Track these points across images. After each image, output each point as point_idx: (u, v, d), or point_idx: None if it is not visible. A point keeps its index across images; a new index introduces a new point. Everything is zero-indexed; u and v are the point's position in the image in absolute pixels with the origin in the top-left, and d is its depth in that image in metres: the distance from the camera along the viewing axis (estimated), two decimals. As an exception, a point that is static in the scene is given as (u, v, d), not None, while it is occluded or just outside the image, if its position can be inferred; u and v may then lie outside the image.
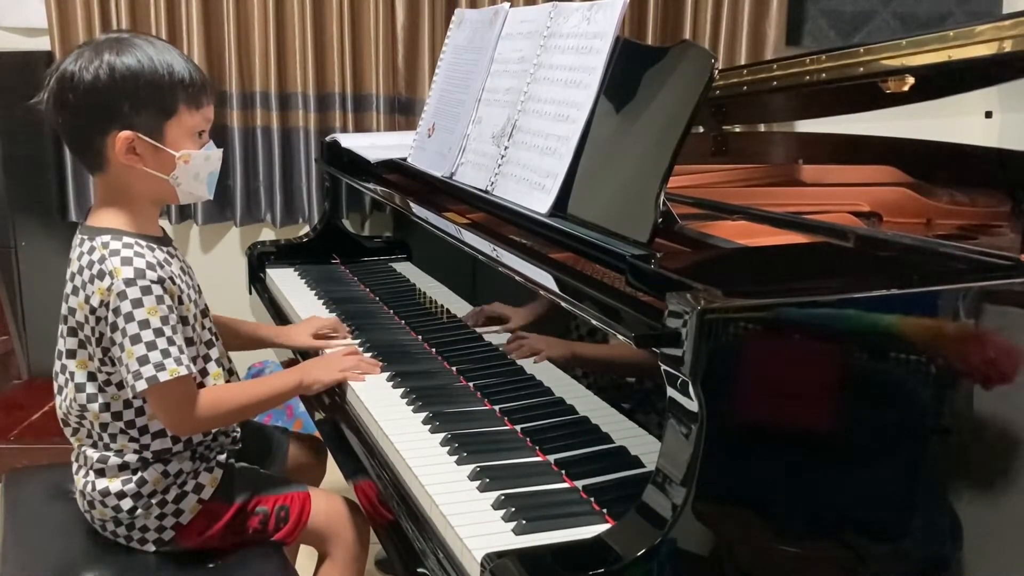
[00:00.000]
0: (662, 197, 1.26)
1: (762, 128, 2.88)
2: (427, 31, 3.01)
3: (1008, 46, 1.24)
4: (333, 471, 1.70)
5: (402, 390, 1.51)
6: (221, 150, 1.52)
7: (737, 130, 2.70)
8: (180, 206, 3.06)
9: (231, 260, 3.09)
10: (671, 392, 1.00)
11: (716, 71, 1.25)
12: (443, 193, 1.77)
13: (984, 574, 1.22)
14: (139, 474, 1.45)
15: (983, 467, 1.17)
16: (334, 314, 1.91)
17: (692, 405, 0.96)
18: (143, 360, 1.35)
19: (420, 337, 1.77)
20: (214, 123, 3.05)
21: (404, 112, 3.05)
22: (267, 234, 3.11)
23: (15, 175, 2.73)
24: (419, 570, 1.18)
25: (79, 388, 1.44)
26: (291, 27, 2.98)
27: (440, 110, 1.91)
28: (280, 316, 2.06)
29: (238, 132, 3.02)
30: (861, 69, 1.46)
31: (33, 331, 2.77)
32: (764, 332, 1.01)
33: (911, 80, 1.43)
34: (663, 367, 0.99)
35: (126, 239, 1.41)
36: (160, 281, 1.38)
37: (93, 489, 1.46)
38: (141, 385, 1.36)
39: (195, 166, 1.46)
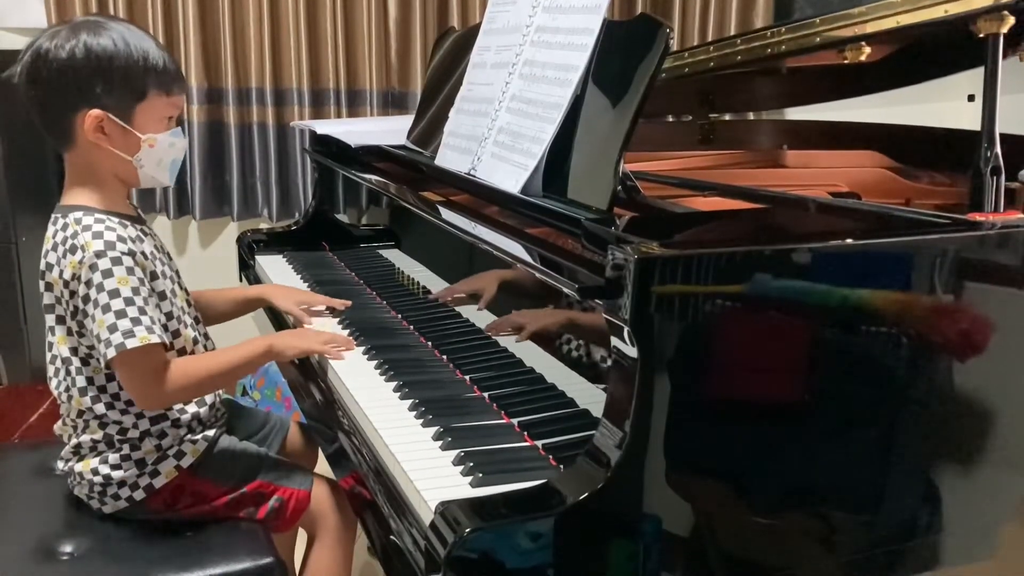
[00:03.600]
0: (621, 165, 1.28)
1: (751, 117, 2.91)
2: (419, 25, 3.06)
3: (951, 10, 1.27)
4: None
5: (376, 362, 1.54)
6: (186, 139, 1.54)
7: (727, 118, 2.73)
8: (178, 202, 3.11)
9: (229, 255, 3.12)
10: (614, 341, 1.03)
11: (671, 40, 1.28)
12: (430, 178, 1.79)
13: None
14: (128, 448, 1.48)
15: (919, 418, 1.19)
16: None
17: (632, 351, 0.99)
18: (112, 328, 1.37)
19: (399, 315, 1.80)
20: (211, 119, 3.11)
21: (397, 106, 3.10)
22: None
23: (16, 170, 2.76)
24: (391, 538, 1.21)
25: (65, 363, 1.47)
26: (285, 24, 3.03)
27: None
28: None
29: (234, 128, 3.08)
30: (818, 40, 1.49)
31: (34, 326, 2.80)
32: (695, 280, 1.04)
33: (867, 49, 1.46)
34: (606, 317, 1.02)
35: (98, 215, 1.45)
36: (131, 254, 1.41)
37: (95, 474, 1.48)
38: (110, 353, 1.37)
39: (159, 151, 1.49)
